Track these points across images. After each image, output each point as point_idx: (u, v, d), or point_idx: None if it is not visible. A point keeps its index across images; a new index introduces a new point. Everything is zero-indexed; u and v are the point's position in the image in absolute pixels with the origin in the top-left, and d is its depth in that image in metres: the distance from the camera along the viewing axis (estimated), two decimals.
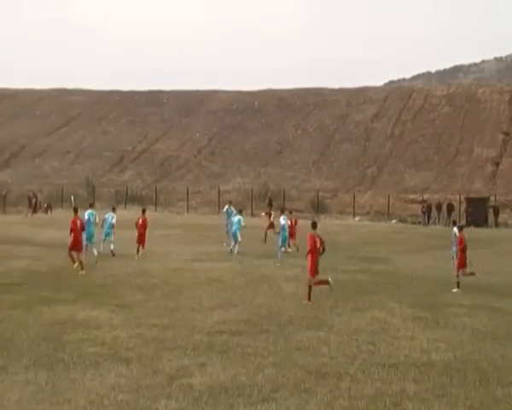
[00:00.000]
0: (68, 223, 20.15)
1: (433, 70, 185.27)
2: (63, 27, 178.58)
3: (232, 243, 25.11)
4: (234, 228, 25.10)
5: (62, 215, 29.17)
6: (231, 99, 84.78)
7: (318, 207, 51.70)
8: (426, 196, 52.76)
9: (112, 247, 23.53)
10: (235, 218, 25.58)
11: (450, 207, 46.42)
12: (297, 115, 78.28)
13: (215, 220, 33.06)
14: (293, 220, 26.73)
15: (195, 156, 72.02)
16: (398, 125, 73.09)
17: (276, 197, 55.68)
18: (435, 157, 65.12)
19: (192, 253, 24.69)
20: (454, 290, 17.41)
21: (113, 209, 25.14)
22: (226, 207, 30.31)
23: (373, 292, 16.86)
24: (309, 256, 15.41)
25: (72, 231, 19.51)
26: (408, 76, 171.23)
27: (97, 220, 22.90)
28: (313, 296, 15.25)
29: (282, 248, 24.09)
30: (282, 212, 26.14)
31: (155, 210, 51.19)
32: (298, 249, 24.37)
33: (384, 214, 50.14)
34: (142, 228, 23.81)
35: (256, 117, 78.89)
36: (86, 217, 22.15)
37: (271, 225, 28.92)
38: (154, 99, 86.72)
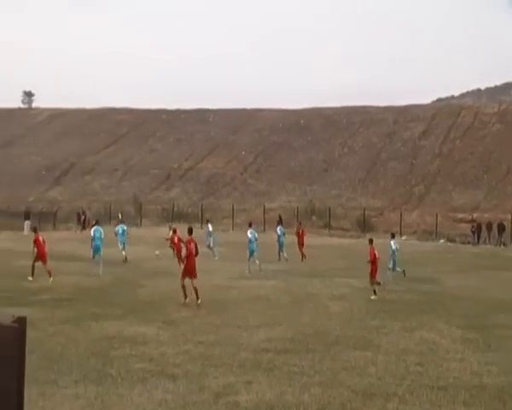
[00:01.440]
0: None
1: (482, 87, 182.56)
2: (110, 49, 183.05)
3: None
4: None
5: (110, 232, 29.58)
6: (277, 117, 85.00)
7: (365, 225, 51.27)
8: (475, 215, 51.83)
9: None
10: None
11: (501, 227, 45.46)
12: (343, 133, 78.00)
13: (260, 238, 33.03)
14: (302, 230, 30.57)
15: (241, 174, 72.34)
16: (446, 142, 72.13)
17: (322, 215, 55.50)
18: (485, 175, 64.00)
19: (237, 270, 24.72)
20: None
21: (122, 222, 29.80)
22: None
23: (421, 312, 16.61)
24: (372, 265, 19.41)
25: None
26: (456, 93, 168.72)
27: (103, 236, 24.23)
28: (359, 316, 15.12)
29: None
30: (250, 226, 27.30)
31: (201, 228, 51.41)
32: (304, 258, 28.71)
33: (432, 234, 49.41)
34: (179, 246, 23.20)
35: (302, 135, 78.88)
36: (92, 233, 24.06)
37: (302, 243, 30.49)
38: (200, 117, 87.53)
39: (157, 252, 28.93)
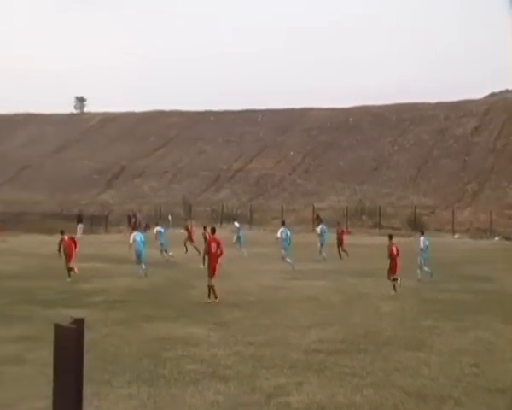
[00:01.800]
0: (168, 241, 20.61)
1: None
2: (158, 52, 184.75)
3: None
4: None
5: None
6: (325, 116, 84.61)
7: (416, 224, 50.59)
8: None
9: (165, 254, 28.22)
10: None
11: None
12: (393, 131, 77.12)
13: (310, 238, 32.92)
14: (342, 230, 31.87)
15: (290, 174, 72.27)
16: (500, 138, 70.56)
17: (372, 215, 55.01)
18: None
19: (287, 271, 24.68)
20: None
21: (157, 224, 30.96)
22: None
23: (476, 312, 16.28)
24: (391, 261, 19.95)
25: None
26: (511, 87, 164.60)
27: (143, 240, 24.51)
28: (411, 316, 14.92)
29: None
30: (283, 224, 28.45)
31: (250, 228, 51.68)
32: (347, 255, 29.84)
33: (486, 231, 48.44)
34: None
35: (351, 134, 78.35)
36: (132, 239, 24.34)
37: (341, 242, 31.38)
38: (248, 118, 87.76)
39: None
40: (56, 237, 36.40)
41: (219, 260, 17.91)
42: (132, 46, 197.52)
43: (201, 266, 23.81)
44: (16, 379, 9.62)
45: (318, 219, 46.13)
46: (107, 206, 62.41)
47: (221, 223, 54.12)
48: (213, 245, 17.81)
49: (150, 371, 10.30)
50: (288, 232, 26.92)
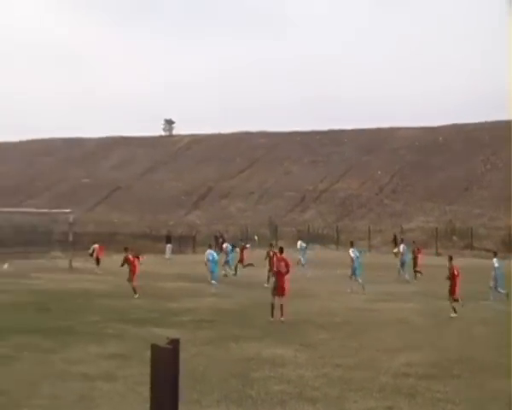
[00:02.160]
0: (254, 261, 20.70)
1: None
2: (243, 73, 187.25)
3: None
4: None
5: (247, 254, 30.30)
6: (413, 136, 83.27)
7: (511, 246, 48.79)
8: None
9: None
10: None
11: None
12: (486, 150, 74.89)
13: (394, 260, 32.39)
14: (417, 249, 32.16)
15: (377, 194, 71.39)
16: None
17: (463, 236, 53.52)
18: None
19: (374, 292, 24.30)
20: None
21: (233, 246, 33.42)
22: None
23: None
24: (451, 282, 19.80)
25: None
26: None
27: (216, 259, 27.72)
28: (507, 342, 14.30)
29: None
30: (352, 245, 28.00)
31: (337, 249, 51.25)
32: (420, 274, 30.15)
33: None
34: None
35: (440, 153, 76.65)
36: (206, 258, 27.76)
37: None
38: (334, 138, 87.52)
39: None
40: (147, 257, 37.31)
41: (286, 279, 18.15)
42: (217, 69, 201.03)
43: (265, 285, 24.70)
44: (108, 396, 9.82)
45: (395, 240, 46.15)
46: (194, 226, 63.46)
47: (307, 244, 53.94)
48: (281, 264, 18.15)
49: (238, 391, 10.31)
50: (357, 253, 27.02)
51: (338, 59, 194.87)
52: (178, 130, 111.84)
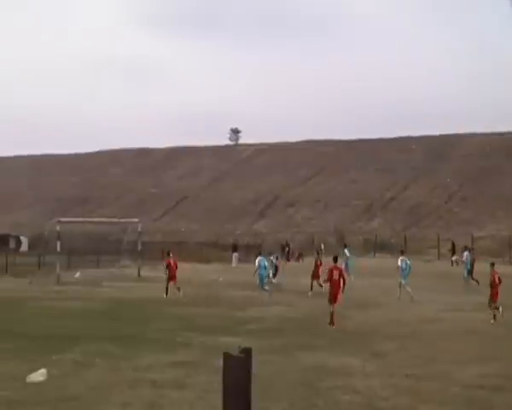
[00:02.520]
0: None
1: None
2: (309, 81, 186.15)
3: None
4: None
5: (313, 263, 30.12)
6: (484, 141, 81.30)
7: None
8: None
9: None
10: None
11: None
12: None
13: (461, 269, 31.63)
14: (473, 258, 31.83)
15: (446, 202, 69.97)
16: None
17: None
18: None
19: (445, 302, 23.76)
20: None
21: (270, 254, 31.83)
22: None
23: None
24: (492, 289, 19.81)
25: None
26: None
27: (267, 265, 27.53)
28: None
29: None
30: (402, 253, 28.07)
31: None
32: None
33: None
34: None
35: None
36: (257, 264, 27.30)
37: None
38: (402, 146, 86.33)
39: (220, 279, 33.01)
40: (214, 265, 37.70)
41: (341, 287, 18.57)
42: (282, 78, 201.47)
43: (309, 294, 26.27)
44: (177, 404, 9.91)
45: (453, 249, 45.38)
46: (260, 235, 63.65)
47: (374, 253, 53.37)
48: (335, 273, 18.58)
49: (305, 400, 10.24)
50: (408, 261, 26.86)
51: (404, 64, 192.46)
52: (244, 139, 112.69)
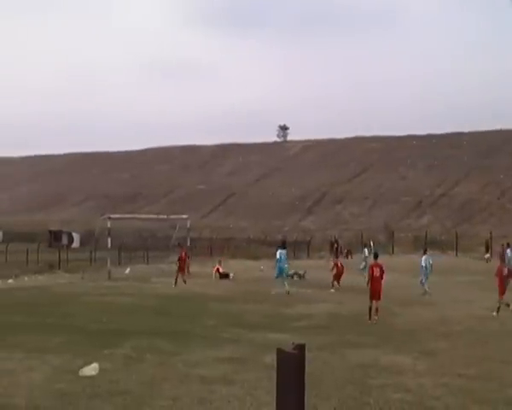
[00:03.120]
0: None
1: None
2: (361, 79, 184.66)
3: None
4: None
5: (362, 260, 29.90)
6: None
7: None
8: None
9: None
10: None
11: None
12: None
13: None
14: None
15: (498, 199, 68.54)
16: None
17: None
18: None
19: (497, 301, 23.24)
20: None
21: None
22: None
23: None
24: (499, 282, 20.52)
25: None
26: None
27: (284, 259, 27.05)
28: None
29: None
30: (425, 252, 28.32)
31: (456, 255, 49.68)
32: None
33: None
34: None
35: None
36: (278, 256, 27.00)
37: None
38: (452, 142, 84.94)
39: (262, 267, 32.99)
40: (261, 262, 37.70)
41: (381, 283, 19.23)
42: (331, 73, 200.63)
43: (332, 290, 27.19)
44: (227, 400, 9.94)
45: (487, 246, 44.84)
46: (308, 232, 63.44)
47: (424, 251, 52.56)
48: (375, 269, 19.28)
49: (355, 399, 10.14)
50: (431, 260, 27.16)
51: (456, 59, 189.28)
52: (292, 136, 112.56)
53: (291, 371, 2.98)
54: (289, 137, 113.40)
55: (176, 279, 28.63)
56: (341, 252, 51.81)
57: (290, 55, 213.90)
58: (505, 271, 20.72)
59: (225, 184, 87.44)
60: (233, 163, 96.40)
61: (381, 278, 19.16)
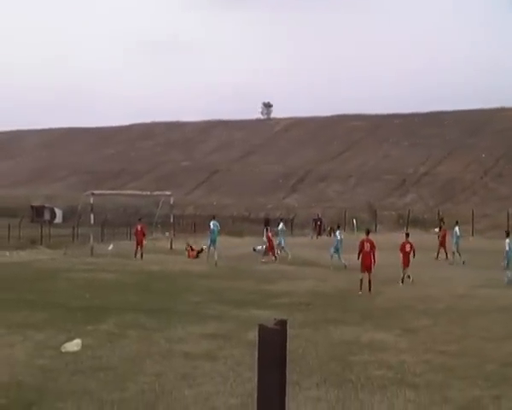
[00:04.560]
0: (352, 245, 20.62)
1: None
2: (342, 57, 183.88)
3: None
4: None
5: (345, 238, 29.95)
6: None
7: None
8: None
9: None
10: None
11: None
12: None
13: (502, 245, 31.16)
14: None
15: (481, 178, 68.92)
16: None
17: None
18: None
19: (478, 279, 23.50)
20: None
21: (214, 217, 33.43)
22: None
23: None
24: None
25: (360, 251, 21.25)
26: None
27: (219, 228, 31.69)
28: None
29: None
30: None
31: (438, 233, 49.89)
32: None
33: None
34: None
35: None
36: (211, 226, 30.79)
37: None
38: (435, 120, 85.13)
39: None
40: (244, 240, 37.73)
41: (372, 257, 20.66)
42: (315, 51, 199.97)
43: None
44: (210, 376, 9.98)
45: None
46: (292, 209, 63.54)
47: (407, 228, 52.78)
48: (366, 244, 20.82)
49: (337, 375, 10.23)
50: (342, 236, 29.24)
51: (438, 37, 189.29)
52: (276, 113, 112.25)
53: (273, 346, 2.96)
54: (273, 115, 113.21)
55: (135, 253, 31.36)
56: (324, 229, 52.00)
57: (275, 32, 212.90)
58: (407, 247, 22.75)
59: (209, 162, 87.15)
60: (217, 140, 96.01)
61: (372, 253, 20.69)
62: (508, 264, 23.42)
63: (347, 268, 25.90)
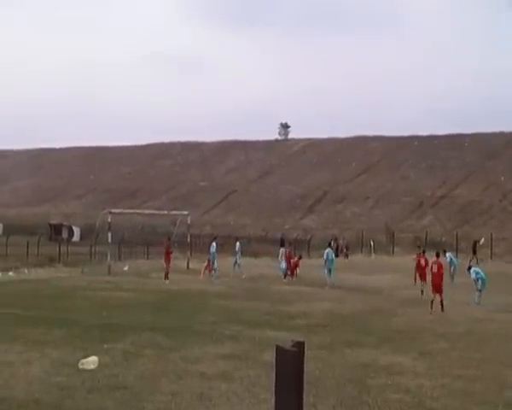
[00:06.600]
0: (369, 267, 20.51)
1: None
2: (361, 78, 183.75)
3: None
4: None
5: (362, 260, 29.80)
6: None
7: None
8: None
9: None
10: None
11: None
12: None
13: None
14: None
15: (500, 201, 68.45)
16: None
17: None
18: None
19: (496, 303, 23.24)
20: None
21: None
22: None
23: None
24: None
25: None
26: None
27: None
28: None
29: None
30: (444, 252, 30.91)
31: (456, 256, 49.52)
32: None
33: None
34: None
35: None
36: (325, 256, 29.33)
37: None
38: (454, 143, 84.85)
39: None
40: (261, 260, 37.61)
41: (441, 278, 21.45)
42: (333, 72, 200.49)
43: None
44: (226, 396, 9.94)
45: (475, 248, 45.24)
46: (309, 230, 63.44)
47: (424, 251, 52.39)
48: (434, 266, 21.74)
49: (354, 398, 10.14)
50: (332, 255, 29.79)
51: (458, 61, 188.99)
52: (294, 134, 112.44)
53: (290, 368, 2.96)
54: (290, 136, 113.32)
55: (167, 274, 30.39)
56: (341, 251, 51.82)
57: (293, 53, 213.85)
58: (422, 261, 24.93)
59: (226, 181, 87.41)
60: (234, 160, 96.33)
61: (440, 274, 21.47)
62: None
63: (334, 287, 27.49)
